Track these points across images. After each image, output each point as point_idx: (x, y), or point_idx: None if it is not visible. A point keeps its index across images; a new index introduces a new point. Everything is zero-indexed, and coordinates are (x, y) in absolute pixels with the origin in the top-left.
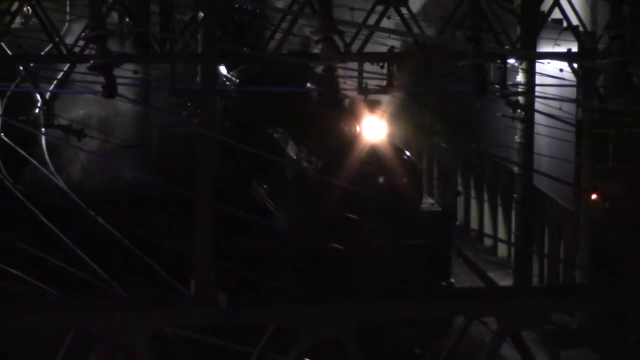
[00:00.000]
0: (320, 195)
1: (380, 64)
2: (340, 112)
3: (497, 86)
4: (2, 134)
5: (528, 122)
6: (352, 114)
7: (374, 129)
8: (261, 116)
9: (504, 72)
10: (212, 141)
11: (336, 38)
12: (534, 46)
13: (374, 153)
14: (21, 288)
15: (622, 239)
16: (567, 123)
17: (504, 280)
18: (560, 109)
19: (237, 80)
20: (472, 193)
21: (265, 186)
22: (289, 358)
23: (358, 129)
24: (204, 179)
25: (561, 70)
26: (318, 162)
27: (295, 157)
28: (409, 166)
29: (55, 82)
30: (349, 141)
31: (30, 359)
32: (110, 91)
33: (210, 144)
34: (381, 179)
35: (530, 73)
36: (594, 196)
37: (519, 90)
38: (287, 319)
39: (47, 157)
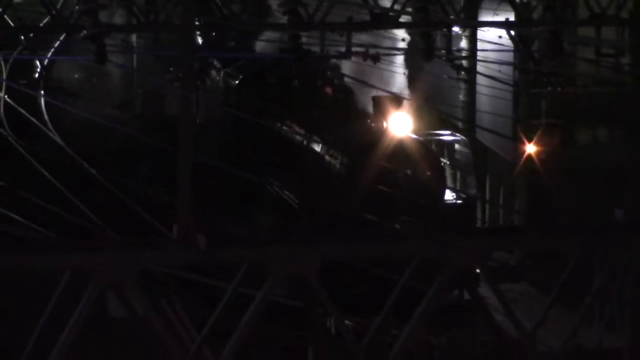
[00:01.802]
0: (346, 190)
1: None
2: (359, 108)
3: (443, 52)
4: (6, 95)
5: (470, 83)
6: (377, 110)
7: (399, 124)
8: (274, 111)
9: (450, 39)
10: (190, 100)
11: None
12: (475, 16)
13: (398, 148)
14: (22, 232)
15: (554, 186)
16: (506, 84)
17: None
18: (499, 71)
19: (241, 76)
20: None
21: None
22: (261, 292)
23: (385, 124)
24: (184, 132)
25: (500, 37)
26: (343, 157)
27: (320, 152)
28: (432, 160)
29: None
30: (374, 137)
31: (30, 301)
32: (100, 58)
33: (188, 103)
34: (406, 174)
35: (473, 40)
36: (529, 148)
37: (463, 55)
38: (258, 258)
39: (45, 116)
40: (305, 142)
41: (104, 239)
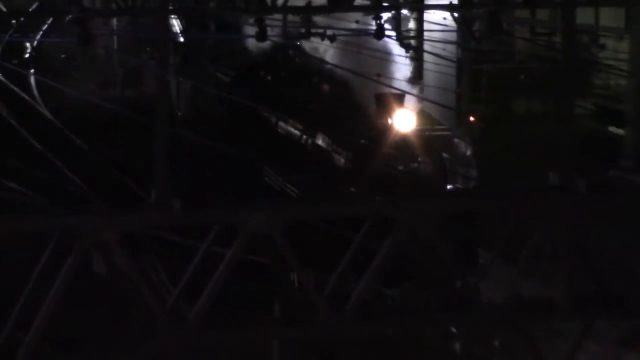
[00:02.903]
0: (350, 184)
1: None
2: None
3: (393, 32)
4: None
5: (418, 61)
6: (380, 106)
7: (403, 120)
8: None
9: (399, 21)
10: (166, 78)
11: None
12: None
13: (401, 143)
14: (15, 198)
15: (495, 152)
16: (450, 60)
17: None
18: (444, 49)
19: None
20: None
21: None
22: (232, 250)
23: (389, 120)
24: (161, 107)
25: (444, 18)
26: (347, 152)
27: (325, 147)
28: (434, 154)
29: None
30: (377, 132)
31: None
32: (85, 40)
33: (165, 81)
34: (408, 167)
35: (420, 21)
36: (471, 118)
37: (411, 35)
38: (227, 219)
39: (35, 92)
40: (303, 138)
41: (90, 203)
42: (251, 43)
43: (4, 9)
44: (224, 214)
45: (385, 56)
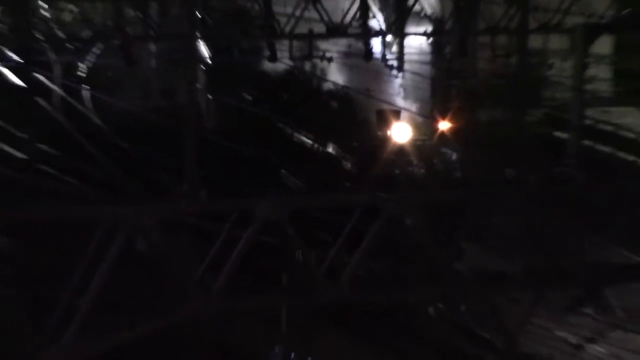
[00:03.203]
0: (355, 184)
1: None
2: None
3: (380, 55)
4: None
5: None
6: (380, 121)
7: (400, 132)
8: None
9: (384, 45)
10: (194, 90)
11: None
12: (403, 27)
13: (399, 151)
14: (75, 191)
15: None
16: (425, 77)
17: None
18: (421, 69)
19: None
20: None
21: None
22: (248, 233)
23: (388, 132)
24: (190, 117)
25: (421, 44)
26: (353, 158)
27: (335, 154)
28: (427, 160)
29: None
30: (379, 142)
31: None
32: (129, 61)
33: (194, 93)
34: (404, 171)
35: (402, 45)
36: (444, 125)
37: (395, 57)
38: (244, 207)
39: (88, 104)
40: (315, 146)
41: (132, 195)
42: (269, 67)
43: (63, 36)
44: (241, 203)
45: (375, 74)
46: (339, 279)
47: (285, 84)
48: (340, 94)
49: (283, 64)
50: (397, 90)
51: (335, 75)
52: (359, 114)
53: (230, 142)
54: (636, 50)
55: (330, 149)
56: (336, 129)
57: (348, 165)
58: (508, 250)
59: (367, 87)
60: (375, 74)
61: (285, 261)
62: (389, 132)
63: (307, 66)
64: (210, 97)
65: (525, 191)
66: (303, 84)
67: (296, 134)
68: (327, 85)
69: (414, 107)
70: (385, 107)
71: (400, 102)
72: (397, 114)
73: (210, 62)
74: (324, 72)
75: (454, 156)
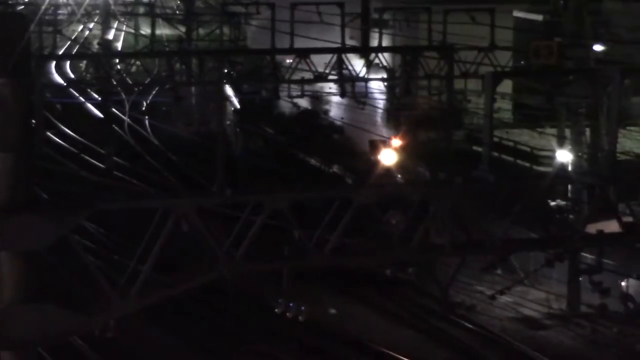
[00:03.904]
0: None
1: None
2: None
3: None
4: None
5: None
6: (372, 149)
7: (387, 157)
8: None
9: (354, 87)
10: (221, 118)
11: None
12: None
13: (387, 170)
14: (138, 189)
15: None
16: (383, 109)
17: None
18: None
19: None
20: None
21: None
22: (260, 218)
23: (378, 159)
24: (219, 136)
25: (379, 86)
26: (353, 176)
27: (339, 173)
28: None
29: None
30: (372, 164)
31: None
32: (176, 99)
33: (221, 115)
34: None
35: (367, 87)
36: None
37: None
38: (257, 199)
39: (148, 129)
40: (323, 167)
41: (177, 190)
42: (285, 108)
43: (130, 82)
44: (255, 196)
45: (348, 107)
46: (324, 250)
47: (298, 121)
48: (338, 128)
49: (285, 101)
50: (364, 119)
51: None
52: (354, 143)
53: (255, 161)
54: (528, 90)
55: (335, 169)
56: (338, 155)
57: (349, 181)
58: (441, 228)
59: (342, 116)
60: (348, 107)
61: (286, 238)
62: (379, 157)
63: (309, 104)
64: (238, 130)
65: (452, 187)
66: (311, 121)
67: (307, 158)
68: (328, 121)
69: (373, 129)
70: (376, 138)
71: (364, 126)
72: (385, 142)
73: (237, 103)
74: (324, 109)
75: (427, 173)
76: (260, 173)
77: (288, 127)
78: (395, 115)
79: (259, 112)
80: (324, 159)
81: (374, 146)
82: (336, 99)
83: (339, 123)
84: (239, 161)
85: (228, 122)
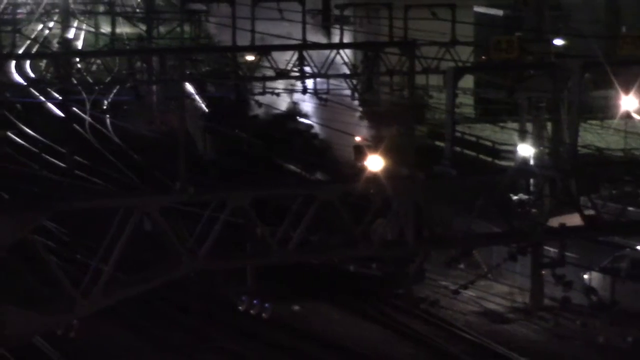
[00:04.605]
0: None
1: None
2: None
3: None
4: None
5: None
6: (357, 154)
7: (374, 162)
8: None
9: (315, 84)
10: (183, 116)
11: None
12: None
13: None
14: (99, 188)
15: None
16: (345, 106)
17: None
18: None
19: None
20: None
21: None
22: (222, 216)
23: (363, 163)
24: (181, 134)
25: (341, 82)
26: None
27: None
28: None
29: None
30: (357, 170)
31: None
32: (137, 97)
33: (182, 113)
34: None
35: (328, 84)
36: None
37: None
38: (220, 197)
39: (109, 127)
40: (304, 173)
41: (138, 189)
42: (259, 110)
43: (91, 81)
44: (217, 195)
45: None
46: (287, 246)
47: (275, 125)
48: (313, 134)
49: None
50: (326, 115)
51: (283, 105)
52: (336, 148)
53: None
54: (489, 85)
55: (318, 176)
56: (320, 161)
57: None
58: (403, 224)
59: (304, 112)
60: (327, 109)
61: (248, 235)
62: (365, 163)
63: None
64: (208, 134)
65: (415, 183)
66: (288, 125)
67: (287, 165)
68: (306, 124)
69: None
70: (362, 142)
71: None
72: (370, 147)
73: (203, 105)
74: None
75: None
76: (236, 178)
77: (264, 131)
78: (358, 112)
79: (230, 114)
80: (305, 166)
81: (359, 151)
82: (307, 98)
83: (314, 126)
84: (210, 166)
85: (191, 123)
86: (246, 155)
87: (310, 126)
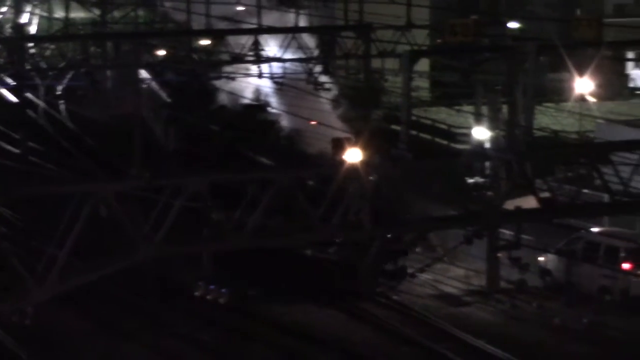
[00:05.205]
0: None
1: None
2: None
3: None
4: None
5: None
6: (336, 148)
7: (352, 155)
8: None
9: (270, 67)
10: (138, 102)
11: None
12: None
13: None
14: (53, 174)
15: None
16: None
17: None
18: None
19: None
20: None
21: None
22: (179, 201)
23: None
24: (136, 121)
25: (297, 66)
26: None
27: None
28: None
29: None
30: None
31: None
32: (92, 83)
33: (137, 106)
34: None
35: (284, 68)
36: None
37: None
38: (176, 182)
39: (64, 113)
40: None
41: (96, 175)
42: (226, 100)
43: (45, 66)
44: (173, 180)
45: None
46: (243, 231)
47: (243, 117)
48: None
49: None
50: (283, 99)
51: (234, 88)
52: (313, 143)
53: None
54: (445, 68)
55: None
56: (295, 154)
57: (310, 184)
58: (362, 208)
59: (256, 95)
60: (267, 88)
61: (205, 220)
62: (343, 157)
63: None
64: (170, 125)
65: (372, 166)
66: (257, 117)
67: (257, 158)
68: (276, 116)
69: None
70: (341, 135)
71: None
72: (349, 140)
73: (163, 94)
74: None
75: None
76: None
77: (233, 123)
78: (314, 96)
79: (195, 105)
80: (279, 160)
81: (338, 144)
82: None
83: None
84: (175, 157)
85: (150, 112)
86: (215, 147)
87: (279, 116)
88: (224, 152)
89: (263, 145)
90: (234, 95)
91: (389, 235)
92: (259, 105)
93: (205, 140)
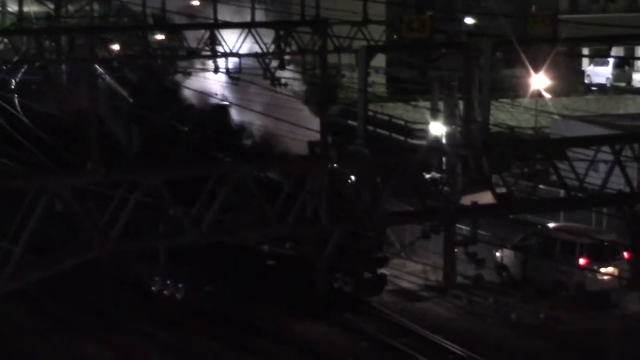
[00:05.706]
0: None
1: None
2: None
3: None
4: None
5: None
6: (311, 151)
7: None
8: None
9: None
10: (94, 98)
11: None
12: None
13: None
14: (7, 169)
15: None
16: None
17: None
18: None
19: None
20: None
21: None
22: (134, 196)
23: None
24: (91, 115)
25: (254, 62)
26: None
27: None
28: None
29: None
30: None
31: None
32: (47, 77)
33: (93, 101)
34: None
35: (240, 63)
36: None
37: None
38: (133, 178)
39: (18, 108)
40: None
41: (51, 170)
42: (193, 99)
43: None
44: (129, 175)
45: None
46: (200, 226)
47: (215, 117)
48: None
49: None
50: (240, 96)
51: (196, 85)
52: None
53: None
54: (401, 64)
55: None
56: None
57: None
58: (319, 203)
59: (216, 92)
60: (222, 84)
61: (161, 215)
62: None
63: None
64: (134, 126)
65: (328, 161)
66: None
67: (228, 159)
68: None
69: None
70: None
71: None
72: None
73: (117, 87)
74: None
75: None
76: None
77: (201, 125)
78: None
79: (159, 104)
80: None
81: (313, 147)
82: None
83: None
84: (138, 159)
85: (108, 111)
86: (184, 149)
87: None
88: (193, 154)
89: (234, 147)
90: (199, 92)
91: (373, 240)
92: (228, 106)
93: (172, 141)
